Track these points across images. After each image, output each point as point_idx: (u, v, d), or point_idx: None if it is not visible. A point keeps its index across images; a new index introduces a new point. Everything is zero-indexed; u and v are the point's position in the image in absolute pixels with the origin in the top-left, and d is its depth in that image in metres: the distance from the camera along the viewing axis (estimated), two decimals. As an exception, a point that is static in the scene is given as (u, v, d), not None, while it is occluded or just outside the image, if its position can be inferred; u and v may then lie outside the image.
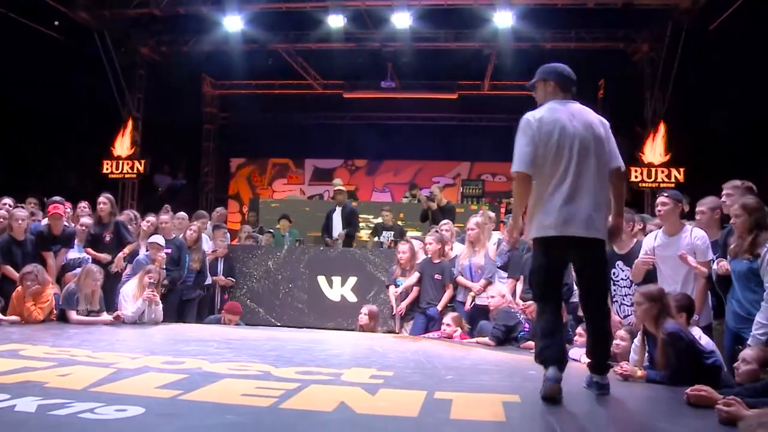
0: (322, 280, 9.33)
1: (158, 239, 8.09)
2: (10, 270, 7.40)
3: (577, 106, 4.29)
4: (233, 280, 9.19)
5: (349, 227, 11.04)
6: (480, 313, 7.56)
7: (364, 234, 12.59)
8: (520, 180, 4.14)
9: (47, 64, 16.46)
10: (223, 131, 20.83)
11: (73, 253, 8.06)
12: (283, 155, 20.86)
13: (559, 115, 4.17)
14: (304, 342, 6.76)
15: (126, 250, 8.04)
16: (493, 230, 8.45)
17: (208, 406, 3.51)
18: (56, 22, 16.05)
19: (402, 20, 14.46)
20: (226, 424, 3.22)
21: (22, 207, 8.20)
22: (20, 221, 7.60)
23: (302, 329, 8.38)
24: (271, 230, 11.48)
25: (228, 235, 10.20)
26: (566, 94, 4.33)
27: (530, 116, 4.20)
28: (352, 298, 9.19)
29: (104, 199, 8.22)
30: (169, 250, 8.19)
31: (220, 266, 9.17)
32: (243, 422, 3.26)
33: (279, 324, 9.03)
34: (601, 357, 4.32)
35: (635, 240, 6.21)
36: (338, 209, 11.21)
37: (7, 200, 8.33)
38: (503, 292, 7.34)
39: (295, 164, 20.96)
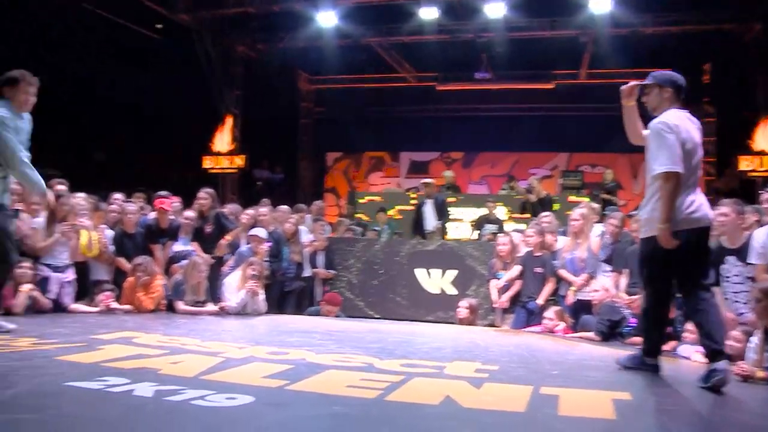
0: (420, 272, 9.31)
1: (260, 232, 8.27)
2: (122, 261, 7.75)
3: (689, 116, 4.56)
4: (333, 272, 9.29)
5: (442, 218, 10.94)
6: (583, 307, 7.37)
7: (455, 224, 12.44)
8: (675, 179, 4.33)
9: (150, 65, 17.13)
10: (319, 126, 21.09)
11: (179, 246, 8.34)
12: (378, 149, 20.96)
13: (687, 125, 4.47)
14: (404, 334, 6.76)
15: (229, 236, 8.25)
16: (596, 222, 8.21)
17: (314, 397, 3.55)
18: (158, 25, 16.67)
19: (496, 10, 14.25)
20: (334, 414, 3.24)
21: (132, 202, 8.55)
22: (131, 215, 7.94)
23: (401, 321, 8.39)
24: (376, 227, 11.51)
25: (328, 227, 10.32)
26: (680, 103, 4.58)
27: (668, 122, 4.44)
28: (452, 291, 9.12)
29: (204, 194, 8.46)
30: (270, 243, 8.36)
31: (320, 259, 9.29)
32: (350, 413, 3.27)
33: (378, 316, 9.07)
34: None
35: (747, 233, 5.88)
36: (429, 202, 11.11)
37: (118, 195, 8.70)
38: (607, 286, 7.13)
39: (391, 157, 21.03)
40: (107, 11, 15.03)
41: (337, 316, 8.19)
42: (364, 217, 13.01)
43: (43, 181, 5.43)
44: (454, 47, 16.48)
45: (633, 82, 4.78)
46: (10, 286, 6.57)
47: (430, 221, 10.90)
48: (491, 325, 8.07)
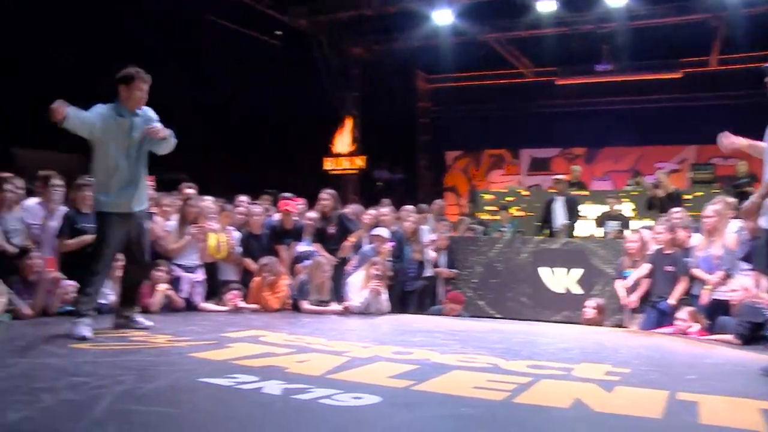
0: (544, 271, 9.08)
1: (382, 232, 8.30)
2: (249, 262, 7.99)
3: None
4: (455, 271, 9.21)
5: (572, 218, 10.62)
6: (719, 307, 6.92)
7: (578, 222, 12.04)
8: None
9: (271, 71, 17.66)
10: (438, 124, 21.07)
11: (302, 246, 8.50)
12: (498, 146, 20.70)
13: None
14: (529, 335, 6.61)
15: (352, 238, 8.33)
16: (733, 218, 7.71)
17: (440, 398, 3.50)
18: (278, 32, 17.16)
19: (617, -2, 13.72)
20: (461, 416, 3.18)
21: (258, 204, 8.81)
22: (257, 217, 8.18)
23: (525, 321, 8.21)
24: (498, 225, 11.35)
25: (449, 226, 10.26)
26: None
27: None
28: (577, 290, 8.84)
29: (326, 195, 8.57)
30: (393, 243, 8.38)
31: (442, 258, 9.24)
32: (478, 415, 3.21)
33: (500, 316, 8.92)
34: None
35: None
36: (560, 199, 10.81)
37: (244, 198, 8.98)
38: (747, 285, 6.67)
39: (511, 154, 20.72)
40: (230, 21, 15.60)
41: (457, 316, 8.12)
42: (486, 216, 12.86)
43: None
44: (574, 39, 16.04)
45: None
46: (148, 286, 6.92)
47: (560, 219, 10.57)
48: (619, 326, 7.74)
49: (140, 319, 5.77)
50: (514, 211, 12.02)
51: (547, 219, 10.80)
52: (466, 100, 19.76)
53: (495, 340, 5.95)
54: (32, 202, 7.12)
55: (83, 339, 4.93)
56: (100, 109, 5.26)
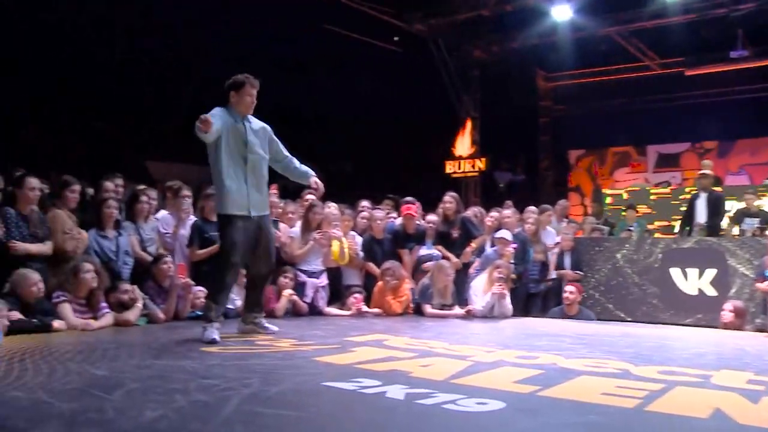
0: (676, 272, 8.62)
1: (505, 234, 8.17)
2: (372, 266, 8.05)
3: None
4: (580, 273, 8.92)
5: (715, 216, 9.90)
6: None
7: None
8: None
9: (390, 77, 17.83)
10: (560, 123, 20.59)
11: (424, 250, 8.49)
12: (623, 143, 19.93)
13: None
14: (660, 339, 6.29)
15: (474, 244, 8.24)
16: None
17: (567, 404, 3.38)
18: (396, 38, 17.29)
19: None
20: (590, 423, 3.05)
21: (380, 208, 8.87)
22: (379, 221, 8.23)
23: (655, 325, 7.84)
24: (625, 225, 10.93)
25: (573, 227, 9.97)
26: None
27: None
28: (711, 292, 8.34)
29: (449, 198, 8.51)
30: (515, 245, 8.23)
31: (567, 259, 8.98)
32: (608, 423, 3.06)
33: (629, 319, 8.55)
34: None
35: None
36: (702, 195, 10.13)
37: (365, 203, 9.07)
38: None
39: (637, 151, 19.89)
40: (348, 30, 15.87)
41: (573, 317, 7.85)
42: (611, 216, 12.41)
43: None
44: (704, 26, 15.17)
45: None
46: (273, 291, 7.12)
47: (701, 217, 9.88)
48: (761, 330, 7.23)
49: (266, 323, 5.92)
50: (640, 210, 11.51)
51: (689, 218, 10.11)
52: (588, 97, 19.18)
53: (624, 345, 5.72)
54: (164, 212, 7.52)
55: (213, 343, 5.11)
56: (218, 113, 5.40)
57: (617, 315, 8.77)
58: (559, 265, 8.99)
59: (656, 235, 11.41)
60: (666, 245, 8.93)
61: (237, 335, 5.67)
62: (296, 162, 5.98)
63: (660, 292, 8.67)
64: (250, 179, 5.52)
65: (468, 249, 8.17)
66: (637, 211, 11.18)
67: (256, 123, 5.66)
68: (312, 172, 6.01)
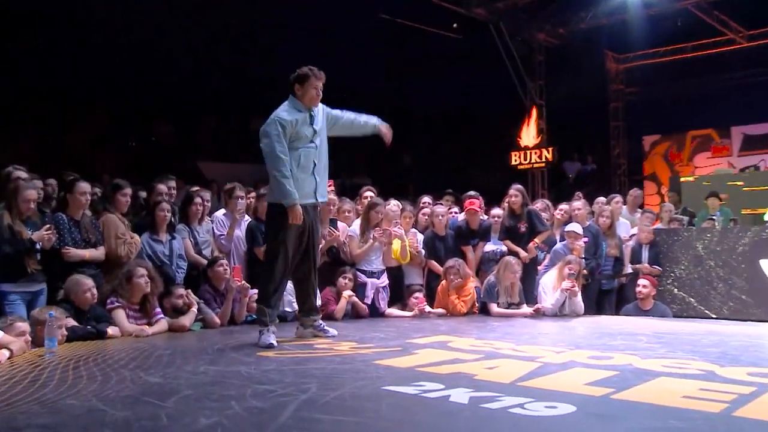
0: (766, 264, 8.32)
1: (575, 227, 8.05)
2: (434, 264, 8.02)
3: None
4: (659, 268, 8.70)
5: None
6: None
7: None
8: None
9: (449, 65, 17.73)
10: (632, 108, 20.13)
11: (489, 246, 8.42)
12: (703, 126, 19.32)
13: None
14: (750, 338, 6.09)
15: (537, 239, 8.13)
16: None
17: (644, 408, 3.31)
18: (455, 24, 17.18)
19: None
20: (670, 429, 2.97)
21: (441, 203, 8.84)
22: (440, 217, 8.20)
23: (744, 322, 7.59)
24: (707, 214, 10.62)
25: (651, 218, 9.74)
26: None
27: None
28: (807, 285, 8.04)
29: (515, 191, 8.42)
30: (587, 239, 8.10)
31: (645, 253, 8.78)
32: (691, 429, 2.98)
33: (714, 316, 8.30)
34: None
35: None
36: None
37: (426, 198, 9.05)
38: None
39: (719, 134, 19.26)
40: (403, 18, 15.85)
41: (647, 313, 7.67)
42: (690, 205, 12.06)
43: (294, 195, 5.45)
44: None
45: None
46: (331, 293, 7.16)
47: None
48: None
49: (326, 326, 5.95)
50: (724, 198, 11.13)
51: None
52: (663, 78, 18.68)
53: (708, 344, 5.56)
54: (220, 213, 7.64)
55: (270, 347, 5.17)
56: (285, 108, 5.57)
57: (699, 311, 8.53)
58: (635, 260, 8.80)
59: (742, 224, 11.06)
60: (754, 234, 8.63)
61: (295, 339, 5.73)
62: (356, 115, 6.02)
63: (748, 286, 8.39)
64: (317, 167, 5.62)
65: (531, 244, 8.08)
66: (720, 199, 10.82)
67: (319, 110, 5.74)
68: (377, 119, 6.06)
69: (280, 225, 5.48)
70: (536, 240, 8.14)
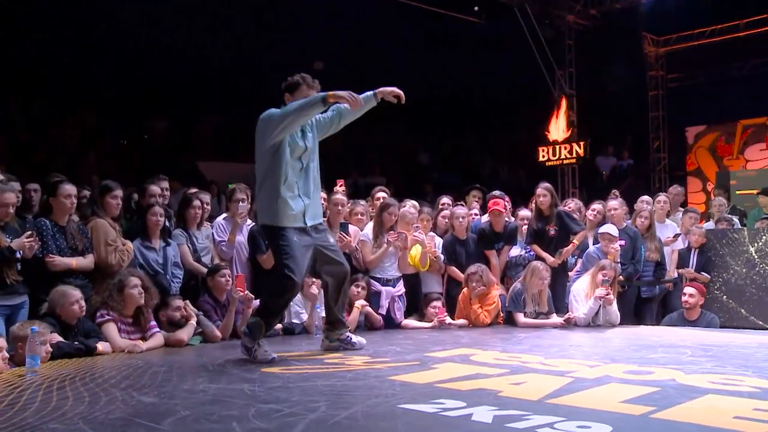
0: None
1: (610, 229, 8.02)
2: (455, 271, 8.03)
3: None
4: (707, 276, 8.65)
5: None
6: None
7: None
8: None
9: (471, 52, 17.72)
10: (674, 96, 20.02)
11: (515, 251, 8.40)
12: (757, 114, 19.16)
13: None
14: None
15: (576, 241, 8.10)
16: None
17: (690, 429, 3.30)
18: (476, 7, 17.17)
19: None
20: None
21: (462, 204, 8.82)
22: (461, 219, 8.18)
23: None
24: (761, 212, 10.58)
25: (696, 218, 9.69)
26: None
27: None
28: None
29: (544, 190, 8.39)
30: (623, 242, 8.07)
31: (693, 258, 8.74)
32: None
33: (768, 326, 8.27)
34: None
35: None
36: None
37: (446, 199, 9.05)
38: None
39: (775, 123, 19.13)
40: (420, 2, 15.86)
41: (693, 323, 7.63)
42: (740, 203, 12.01)
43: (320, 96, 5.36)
44: None
45: None
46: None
47: None
48: None
49: (354, 339, 5.96)
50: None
51: None
52: (709, 62, 18.57)
53: (763, 357, 5.54)
54: (220, 218, 7.66)
55: (272, 362, 5.18)
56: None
57: (751, 321, 8.48)
58: (682, 265, 8.77)
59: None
60: (813, 236, 8.57)
61: (301, 354, 5.75)
62: None
63: (808, 294, 8.33)
64: (306, 188, 5.60)
65: (566, 248, 8.06)
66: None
67: (313, 125, 5.73)
68: (373, 91, 5.75)
69: (284, 239, 5.45)
70: (575, 241, 8.10)
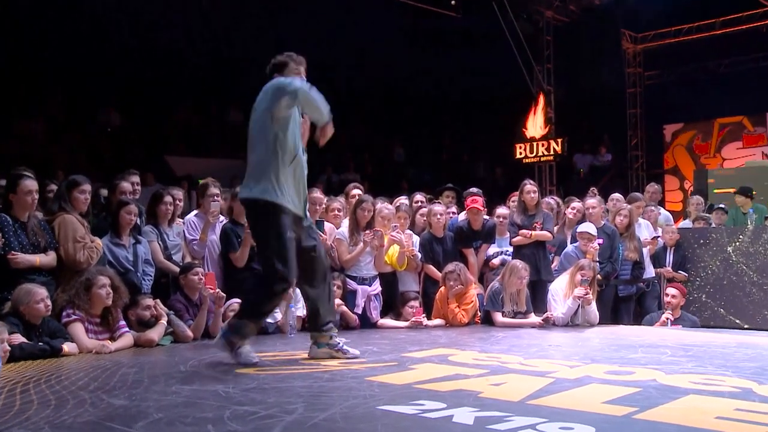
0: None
1: (588, 228, 8.06)
2: (432, 269, 8.01)
3: None
4: (684, 273, 8.73)
5: None
6: None
7: None
8: None
9: (448, 47, 17.73)
10: (652, 94, 20.23)
11: (493, 249, 8.41)
12: (734, 112, 19.40)
13: None
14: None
15: (534, 234, 8.13)
16: None
17: (673, 430, 3.32)
18: (452, 1, 17.19)
19: None
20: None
21: (439, 202, 8.82)
22: (438, 216, 8.16)
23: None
24: (723, 206, 10.70)
25: (668, 217, 9.78)
26: None
27: None
28: None
29: (531, 186, 8.42)
30: (601, 241, 8.11)
31: (669, 257, 8.81)
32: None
33: (747, 327, 8.34)
34: None
35: None
36: None
37: (419, 196, 9.04)
38: None
39: (752, 121, 19.33)
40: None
41: (676, 323, 7.69)
42: (717, 202, 12.12)
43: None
44: None
45: None
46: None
47: None
48: None
49: (346, 346, 5.49)
50: (757, 193, 11.17)
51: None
52: (687, 59, 18.79)
53: (743, 358, 5.56)
54: (191, 215, 7.58)
55: (252, 364, 5.09)
56: None
57: (730, 321, 8.57)
58: (658, 264, 8.82)
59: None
60: (794, 234, 8.67)
61: (276, 354, 5.70)
62: None
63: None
64: (301, 183, 5.33)
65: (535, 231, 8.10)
66: (751, 196, 10.86)
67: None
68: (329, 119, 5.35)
69: (270, 224, 5.13)
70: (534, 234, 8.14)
